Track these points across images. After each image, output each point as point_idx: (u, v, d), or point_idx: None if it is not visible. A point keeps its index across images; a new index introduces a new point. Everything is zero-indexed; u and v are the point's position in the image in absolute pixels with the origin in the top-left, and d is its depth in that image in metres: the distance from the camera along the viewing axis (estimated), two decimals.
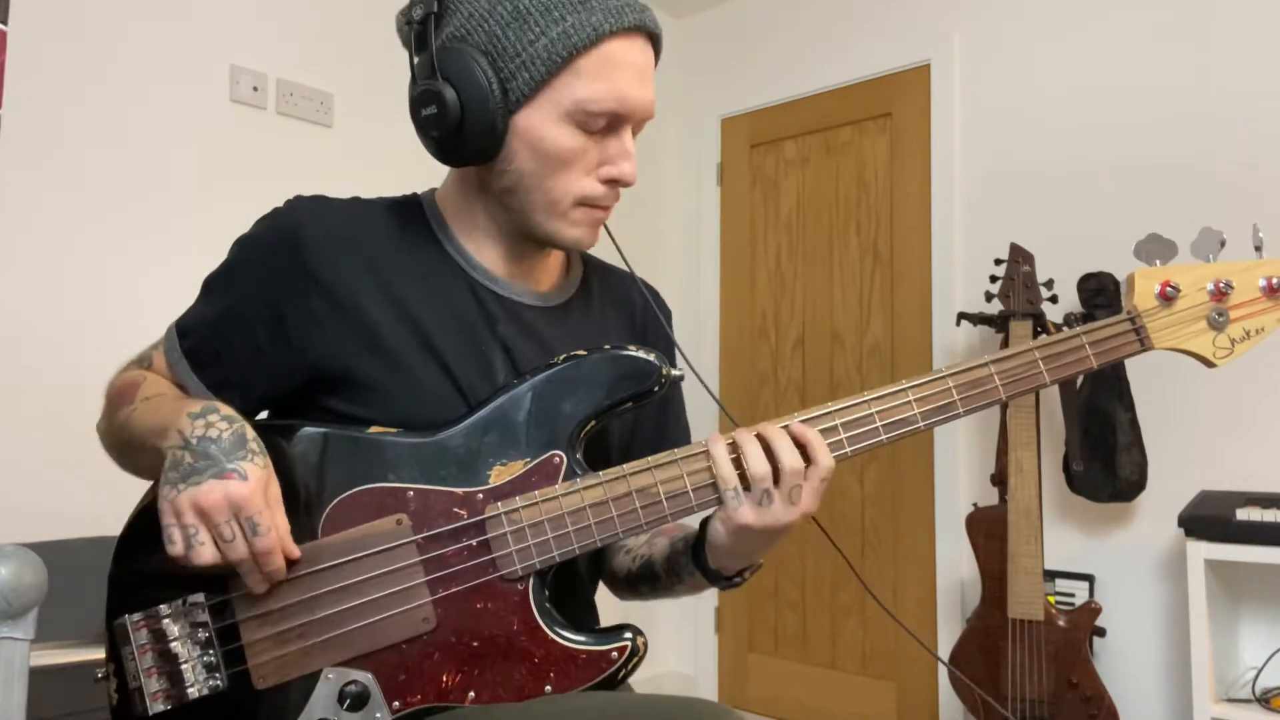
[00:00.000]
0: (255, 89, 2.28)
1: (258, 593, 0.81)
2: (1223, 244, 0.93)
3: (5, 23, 1.49)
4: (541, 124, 0.86)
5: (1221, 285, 0.92)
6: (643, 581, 1.00)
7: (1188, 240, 0.95)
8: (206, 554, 0.77)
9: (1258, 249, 0.94)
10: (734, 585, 0.93)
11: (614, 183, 0.90)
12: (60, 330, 1.95)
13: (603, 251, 1.12)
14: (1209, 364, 0.93)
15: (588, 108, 0.86)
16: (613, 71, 0.86)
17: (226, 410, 0.83)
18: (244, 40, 2.27)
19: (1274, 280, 0.92)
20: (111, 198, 2.04)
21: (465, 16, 0.87)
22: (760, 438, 0.83)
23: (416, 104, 0.89)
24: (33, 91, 1.93)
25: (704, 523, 0.92)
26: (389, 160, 2.39)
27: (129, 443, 0.89)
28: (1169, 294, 0.92)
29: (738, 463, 0.83)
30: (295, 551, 0.81)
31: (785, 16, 3.19)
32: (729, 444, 0.84)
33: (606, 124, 0.88)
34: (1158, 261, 0.93)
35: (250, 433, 0.81)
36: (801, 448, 0.83)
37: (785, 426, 0.85)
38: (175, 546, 0.78)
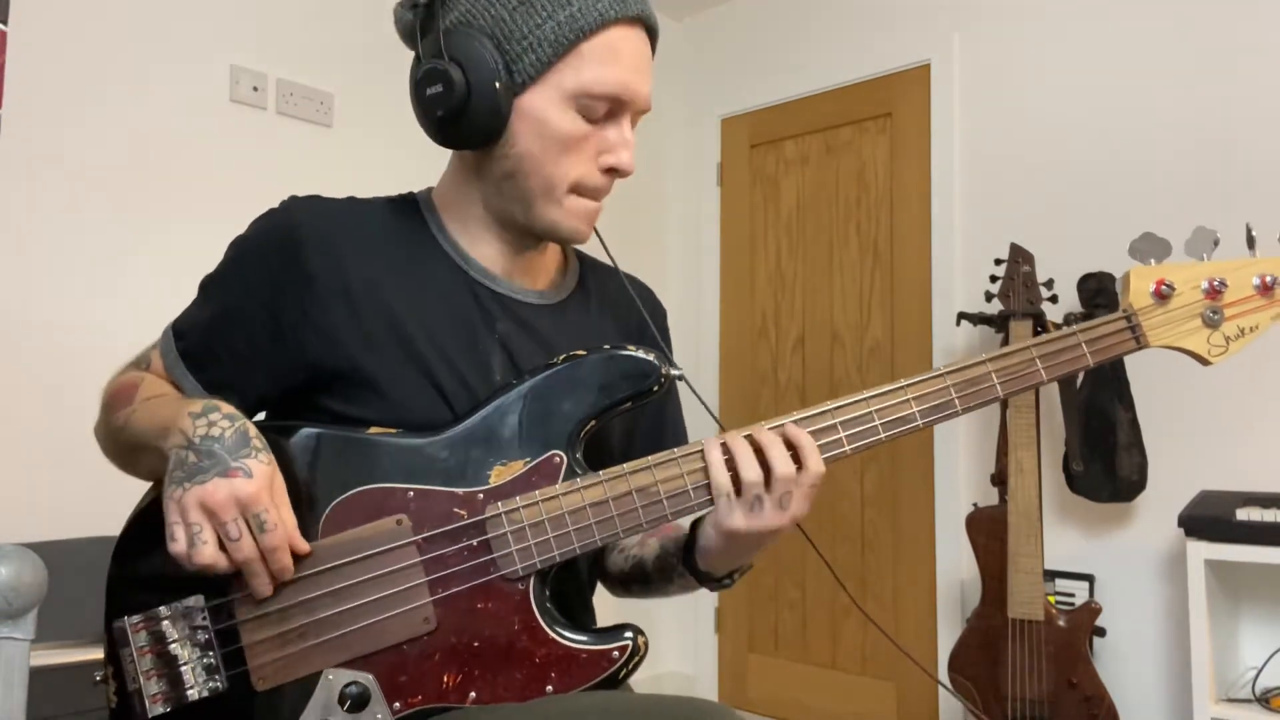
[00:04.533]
0: (255, 89, 2.28)
1: (263, 595, 0.80)
2: (1216, 243, 0.93)
3: (5, 23, 1.50)
4: (546, 106, 0.87)
5: (1216, 283, 0.92)
6: (634, 581, 1.00)
7: (1183, 240, 0.95)
8: (208, 553, 0.76)
9: (1250, 248, 0.94)
10: (723, 587, 0.93)
11: (612, 171, 0.90)
12: (60, 330, 1.95)
13: (593, 249, 1.12)
14: (1204, 362, 0.93)
15: (591, 90, 0.87)
16: (616, 57, 0.87)
17: (228, 409, 0.82)
18: (244, 40, 2.27)
19: (1268, 278, 0.92)
20: (111, 198, 2.04)
21: (470, 2, 0.88)
22: (752, 442, 0.83)
23: (421, 84, 0.89)
24: (33, 92, 1.92)
25: (693, 525, 0.92)
26: (389, 160, 2.39)
27: (129, 444, 0.89)
28: (1164, 292, 0.92)
29: (730, 464, 0.83)
30: (304, 546, 0.81)
31: (785, 16, 3.19)
32: (722, 445, 0.84)
33: (607, 111, 0.88)
34: (1152, 260, 0.93)
35: (253, 430, 0.81)
36: (793, 450, 0.83)
37: (779, 428, 0.85)
38: (178, 544, 0.77)
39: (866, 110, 2.99)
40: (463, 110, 0.87)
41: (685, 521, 0.93)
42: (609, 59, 0.87)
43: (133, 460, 0.91)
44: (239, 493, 0.77)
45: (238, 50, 2.26)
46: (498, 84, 0.86)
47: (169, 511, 0.78)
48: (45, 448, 1.86)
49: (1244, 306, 0.92)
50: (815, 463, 0.83)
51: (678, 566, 0.93)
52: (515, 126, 0.88)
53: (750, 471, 0.82)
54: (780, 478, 0.82)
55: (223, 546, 0.77)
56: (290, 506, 0.81)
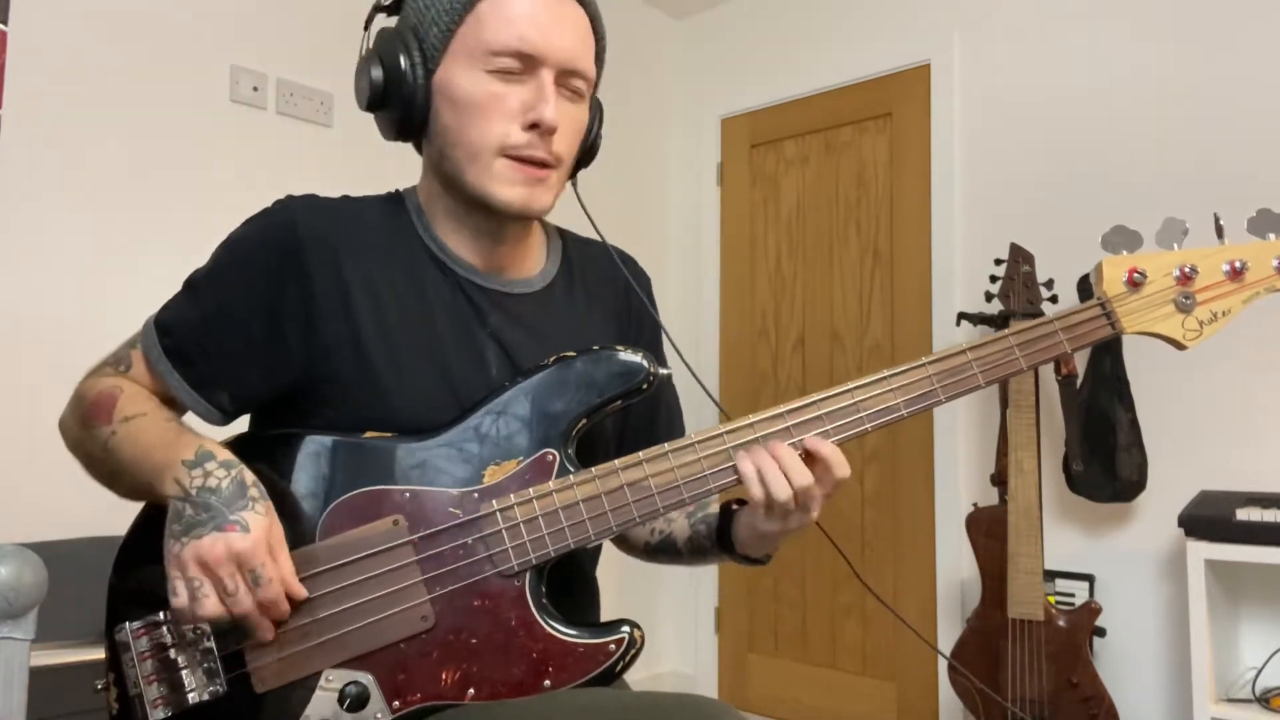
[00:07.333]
0: (255, 89, 2.28)
1: (265, 640, 0.81)
2: (1185, 233, 0.96)
3: (5, 23, 1.50)
4: (454, 75, 0.90)
5: (1187, 270, 0.95)
6: (662, 553, 1.07)
7: (1153, 232, 0.98)
8: (210, 607, 0.78)
9: (1219, 237, 0.97)
10: (759, 564, 0.99)
11: (535, 128, 0.89)
12: (59, 330, 1.95)
13: (578, 224, 1.11)
14: (1179, 346, 0.96)
15: (491, 48, 0.88)
16: (513, 12, 0.88)
17: (223, 455, 0.83)
18: (244, 40, 2.27)
19: (1237, 263, 0.95)
20: (111, 197, 2.04)
21: (407, 6, 0.94)
22: (777, 458, 0.86)
23: (355, 84, 0.96)
24: (33, 92, 1.93)
25: (724, 509, 0.98)
26: (389, 160, 2.39)
27: (112, 468, 0.88)
28: (1136, 280, 0.95)
29: (759, 477, 0.86)
30: (301, 592, 0.82)
31: (785, 16, 3.19)
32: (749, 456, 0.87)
33: (520, 68, 0.89)
34: (1124, 251, 0.96)
35: (249, 478, 0.82)
36: (822, 461, 0.86)
37: (801, 441, 0.87)
38: (179, 599, 0.78)
39: (866, 110, 2.99)
40: (385, 99, 0.92)
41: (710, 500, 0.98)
42: (505, 15, 0.88)
43: (109, 479, 0.90)
44: (235, 548, 0.77)
45: (238, 50, 2.26)
46: (407, 66, 0.90)
47: (169, 565, 0.79)
48: (45, 448, 1.86)
49: (1215, 291, 0.95)
50: (843, 470, 0.87)
51: (713, 548, 0.99)
52: (437, 104, 0.91)
53: (782, 492, 0.85)
54: (802, 490, 0.85)
55: (222, 599, 0.78)
56: (288, 552, 0.81)
